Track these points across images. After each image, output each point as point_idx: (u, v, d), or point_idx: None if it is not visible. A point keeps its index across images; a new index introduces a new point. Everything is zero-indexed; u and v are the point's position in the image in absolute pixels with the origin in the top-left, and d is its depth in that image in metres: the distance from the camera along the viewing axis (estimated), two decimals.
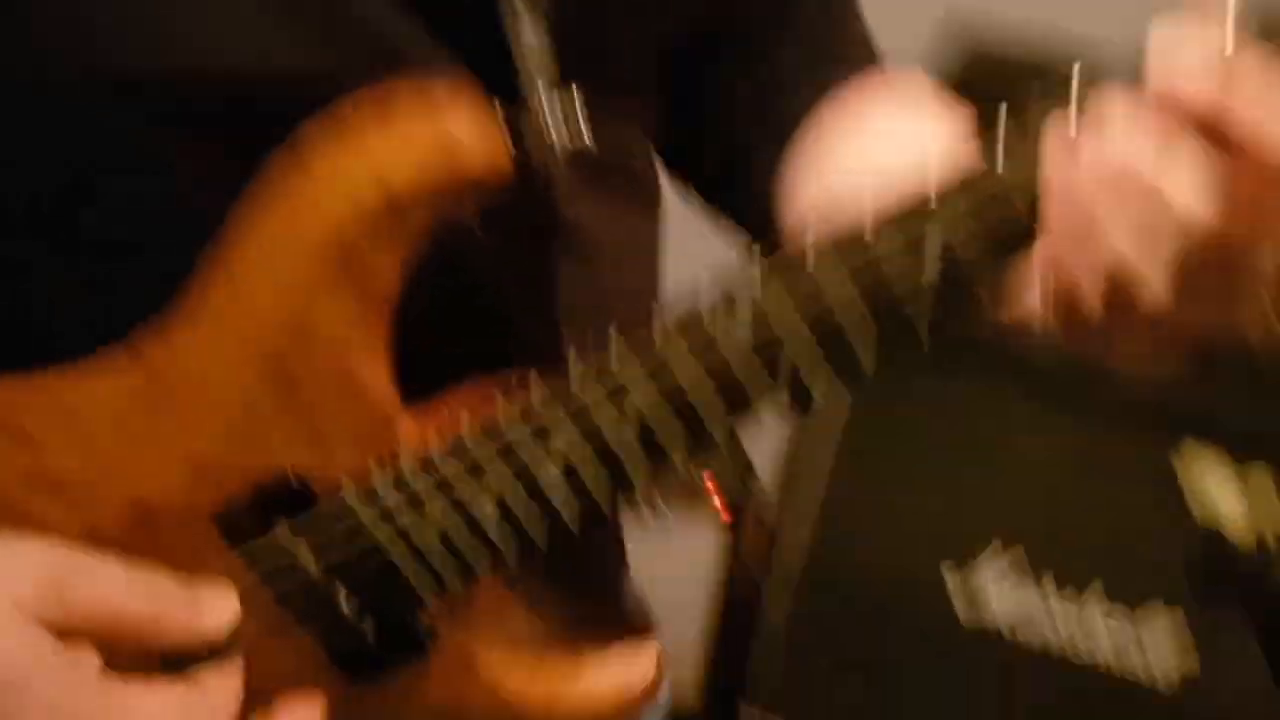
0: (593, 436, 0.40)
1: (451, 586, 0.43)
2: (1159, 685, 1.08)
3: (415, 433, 0.42)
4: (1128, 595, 1.06)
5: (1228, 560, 1.03)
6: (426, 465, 0.42)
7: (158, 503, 0.42)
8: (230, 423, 0.42)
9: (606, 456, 0.40)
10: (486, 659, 0.46)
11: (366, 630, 0.44)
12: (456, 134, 0.38)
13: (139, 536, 0.42)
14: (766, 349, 0.38)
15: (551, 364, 0.46)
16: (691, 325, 0.39)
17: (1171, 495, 1.03)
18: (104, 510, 0.42)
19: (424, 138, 0.39)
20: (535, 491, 0.41)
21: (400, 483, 0.42)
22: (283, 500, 0.42)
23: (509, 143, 0.39)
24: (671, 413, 0.39)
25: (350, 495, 0.42)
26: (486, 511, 0.41)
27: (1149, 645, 1.07)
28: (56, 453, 0.42)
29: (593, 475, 0.40)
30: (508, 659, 0.46)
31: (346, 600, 0.43)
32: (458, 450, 0.41)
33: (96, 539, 0.41)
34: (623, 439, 0.39)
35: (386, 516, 0.42)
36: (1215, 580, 1.03)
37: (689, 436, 0.39)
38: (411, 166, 0.38)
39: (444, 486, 0.41)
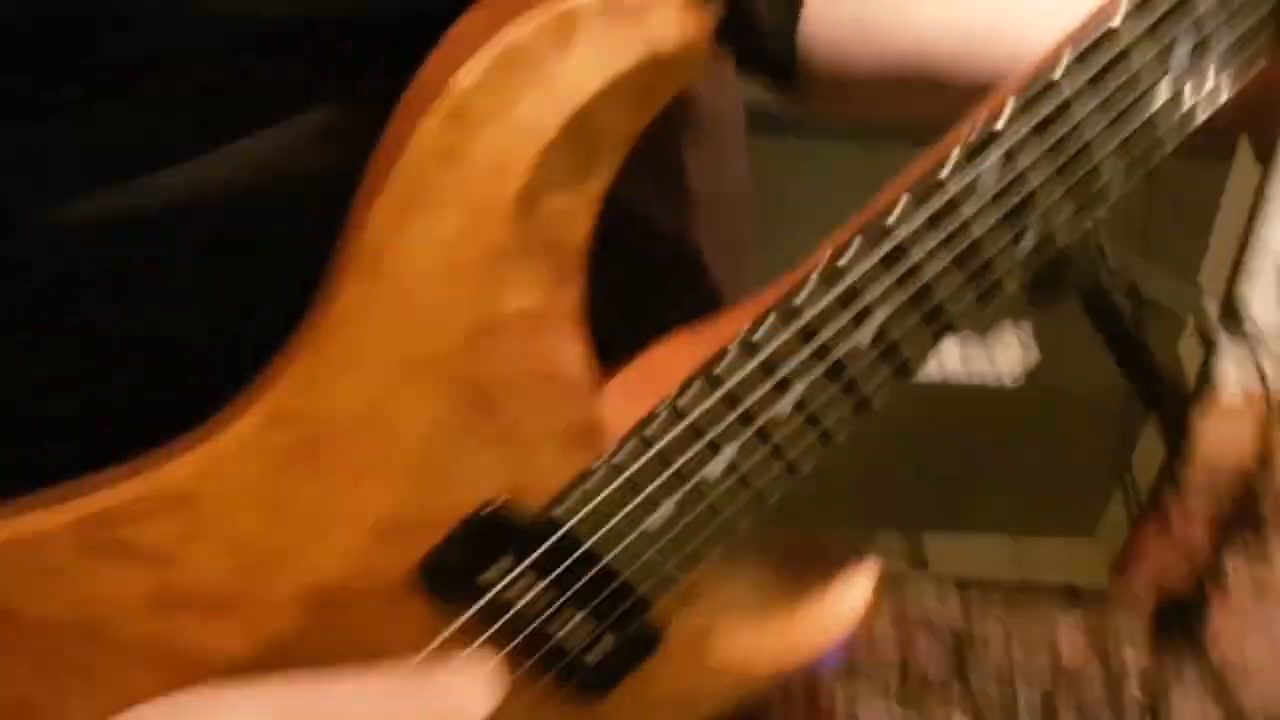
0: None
1: (683, 572, 0.38)
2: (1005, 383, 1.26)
3: (621, 408, 0.35)
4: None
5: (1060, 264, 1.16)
6: (644, 440, 0.35)
7: (341, 584, 0.33)
8: (414, 464, 0.32)
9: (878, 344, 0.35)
10: (714, 634, 0.41)
11: (600, 651, 0.38)
12: (651, 26, 0.30)
13: (326, 626, 0.33)
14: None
15: (694, 275, 0.40)
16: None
17: None
18: (273, 612, 0.33)
19: (609, 40, 0.30)
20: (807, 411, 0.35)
21: (615, 468, 0.35)
22: (482, 539, 0.34)
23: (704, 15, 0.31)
24: None
25: (568, 503, 0.35)
26: (722, 468, 0.36)
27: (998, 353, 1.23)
28: (190, 562, 0.31)
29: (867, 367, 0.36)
30: (733, 626, 0.42)
31: (578, 626, 0.37)
32: (676, 413, 0.35)
33: (277, 649, 0.32)
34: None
35: (604, 516, 0.35)
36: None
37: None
38: (599, 77, 0.30)
39: (666, 453, 0.35)
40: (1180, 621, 1.51)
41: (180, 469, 0.31)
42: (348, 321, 0.31)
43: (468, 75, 0.29)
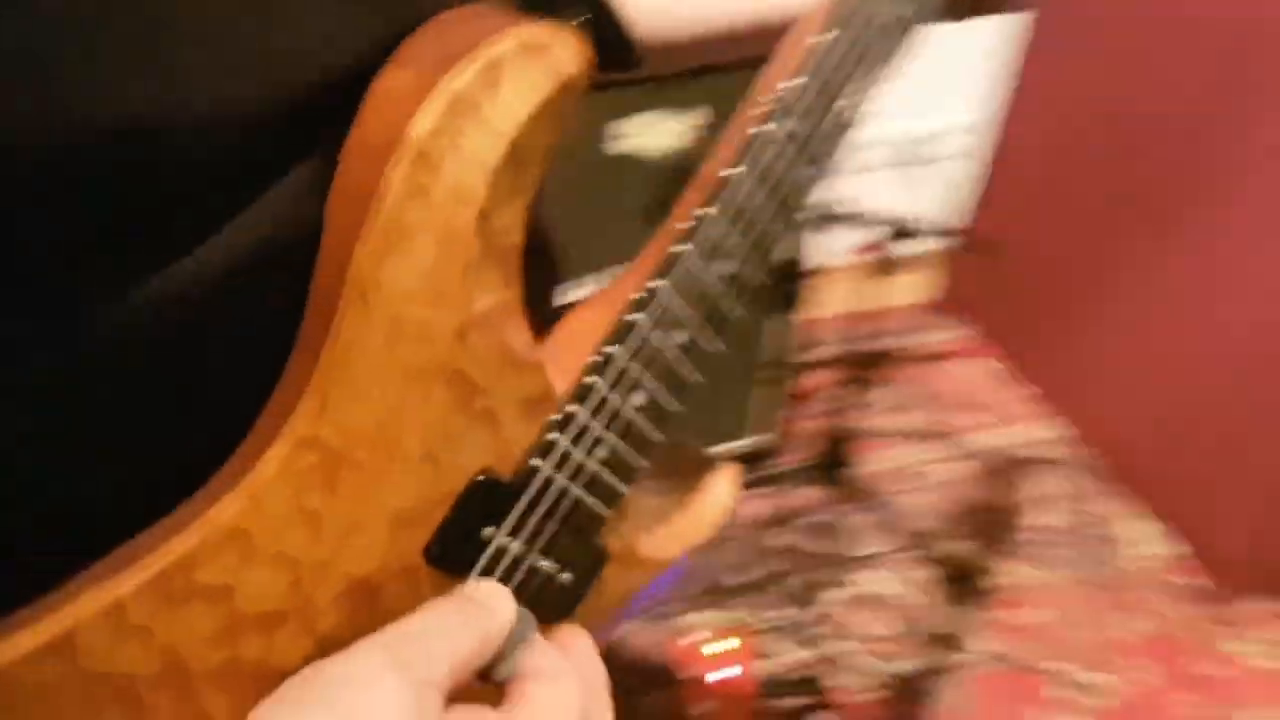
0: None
1: (626, 488, 0.46)
2: None
3: (556, 372, 0.43)
4: None
5: None
6: (581, 391, 0.43)
7: (373, 574, 0.38)
8: (418, 459, 0.38)
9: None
10: (636, 538, 0.50)
11: (570, 572, 0.45)
12: (557, 57, 0.37)
13: (364, 616, 0.38)
14: None
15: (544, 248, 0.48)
16: None
17: None
18: (321, 615, 0.37)
19: (528, 76, 0.37)
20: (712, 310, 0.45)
21: (567, 420, 0.42)
22: (478, 505, 0.41)
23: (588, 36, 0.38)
24: None
25: (533, 462, 0.42)
26: (641, 401, 0.44)
27: None
28: (249, 588, 0.35)
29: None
30: (647, 527, 0.51)
31: (550, 566, 0.44)
32: (600, 367, 0.43)
33: (329, 645, 0.37)
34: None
35: (565, 459, 0.43)
36: None
37: None
38: (526, 106, 0.37)
39: (602, 400, 0.43)
40: (836, 464, 1.81)
41: (230, 506, 0.35)
42: (351, 348, 0.36)
43: (423, 123, 0.35)
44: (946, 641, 1.61)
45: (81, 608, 0.32)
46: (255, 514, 0.35)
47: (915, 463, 1.95)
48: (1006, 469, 1.93)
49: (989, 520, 1.84)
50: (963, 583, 1.71)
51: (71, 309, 0.32)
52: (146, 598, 0.33)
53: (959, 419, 2.05)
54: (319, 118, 0.35)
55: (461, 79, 0.35)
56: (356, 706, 0.32)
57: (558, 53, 0.37)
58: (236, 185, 0.34)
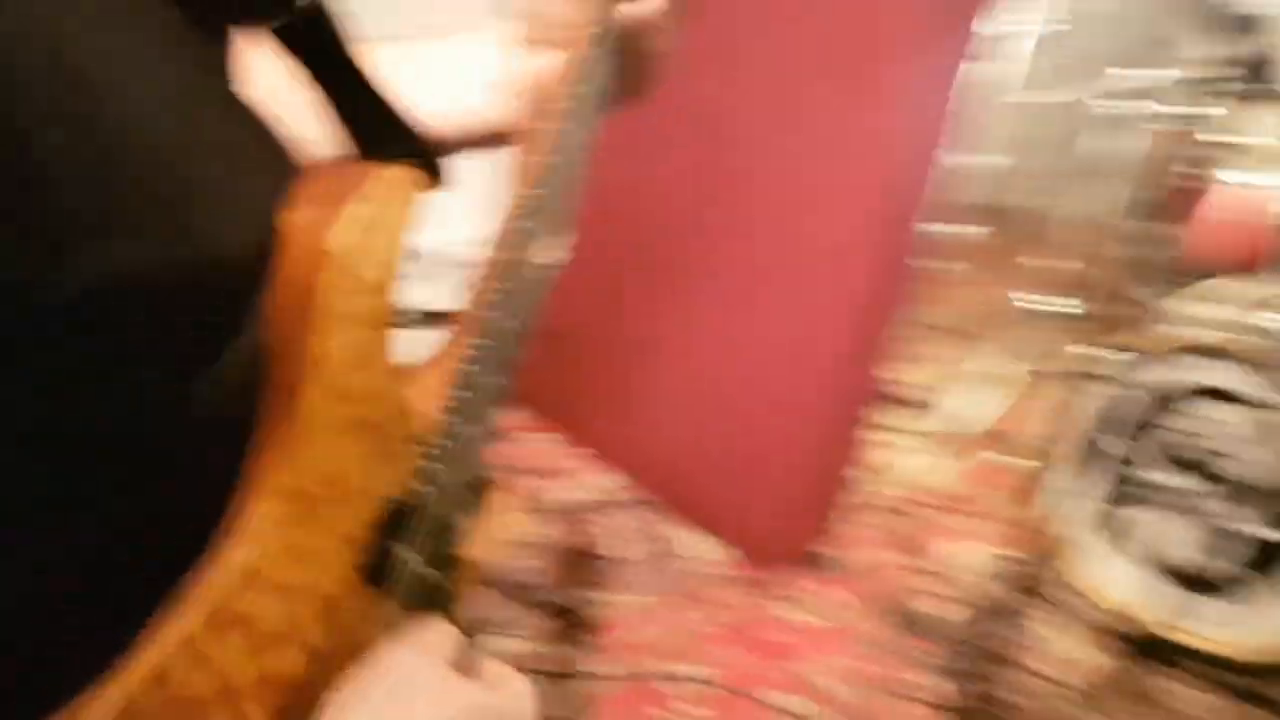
0: None
1: (475, 506, 0.59)
2: None
3: (426, 408, 0.55)
4: None
5: None
6: (442, 425, 0.56)
7: (334, 592, 0.48)
8: (356, 493, 0.49)
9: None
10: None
11: (441, 582, 0.57)
12: (411, 184, 0.51)
13: (335, 627, 0.48)
14: None
15: None
16: None
17: None
18: (311, 628, 0.47)
19: (398, 198, 0.50)
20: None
21: (437, 449, 0.55)
22: (390, 526, 0.52)
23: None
24: None
25: (419, 487, 0.54)
26: (480, 430, 0.59)
27: None
28: (263, 615, 0.44)
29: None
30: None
31: (432, 574, 0.56)
32: (453, 404, 0.57)
33: (319, 659, 0.47)
34: None
35: (436, 481, 0.55)
36: None
37: None
38: (401, 218, 0.50)
39: (456, 428, 0.57)
40: None
41: (244, 547, 0.44)
42: (306, 414, 0.47)
43: (338, 239, 0.48)
44: (573, 676, 1.81)
45: (164, 645, 0.40)
46: (260, 553, 0.45)
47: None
48: (581, 516, 2.20)
49: (579, 562, 2.09)
50: (571, 621, 1.93)
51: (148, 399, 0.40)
52: (206, 630, 0.41)
53: (535, 483, 2.30)
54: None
55: (360, 206, 0.49)
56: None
57: (410, 182, 0.52)
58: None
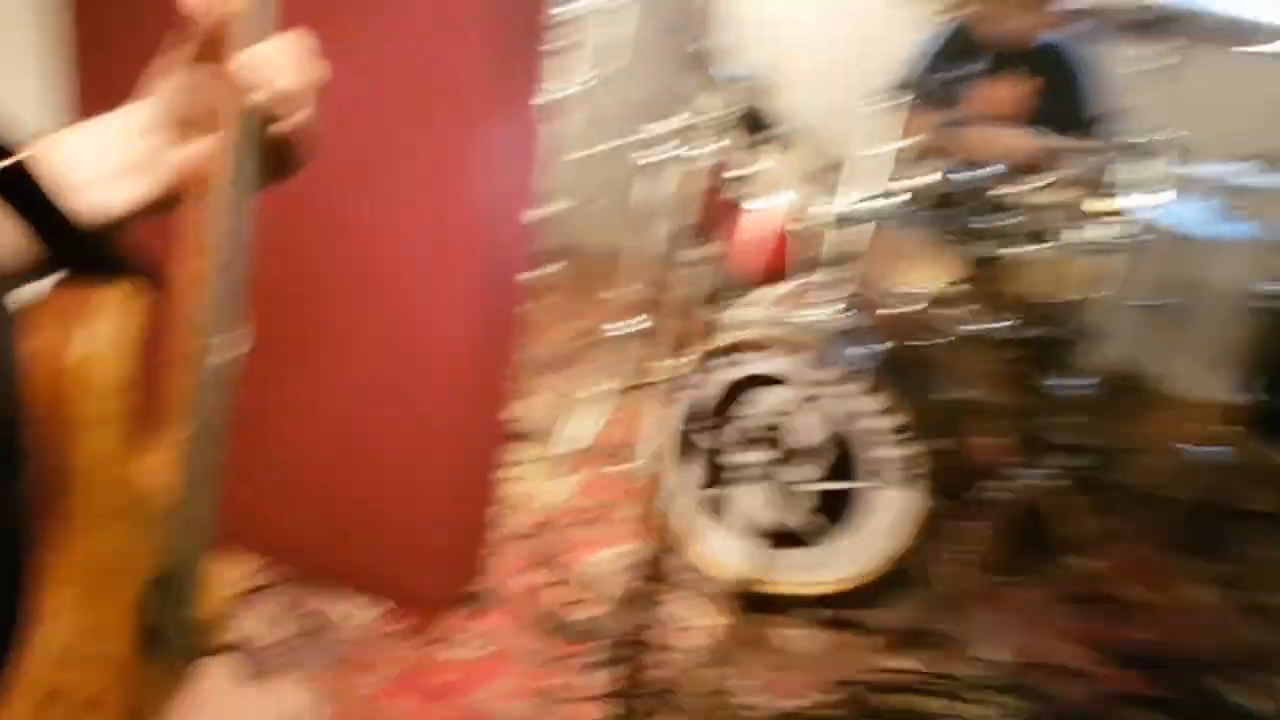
0: None
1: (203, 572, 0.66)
2: None
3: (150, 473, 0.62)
4: None
5: None
6: (174, 499, 0.63)
7: (129, 654, 0.55)
8: (128, 568, 0.56)
9: None
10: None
11: (190, 646, 0.64)
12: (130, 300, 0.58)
13: (131, 686, 0.55)
14: None
15: None
16: None
17: None
18: (115, 690, 0.54)
19: (122, 312, 0.57)
20: None
21: (173, 522, 0.62)
22: (151, 600, 0.59)
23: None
24: None
25: (164, 560, 0.61)
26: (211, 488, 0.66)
27: None
28: (76, 684, 0.51)
29: None
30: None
31: (184, 642, 0.63)
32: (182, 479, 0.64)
33: (125, 707, 0.53)
34: None
35: (173, 553, 0.62)
36: None
37: None
38: (130, 329, 0.57)
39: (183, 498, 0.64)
40: None
41: (51, 629, 0.50)
42: (80, 508, 0.53)
43: (73, 354, 0.54)
44: None
45: None
46: (69, 631, 0.51)
47: None
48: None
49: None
50: None
51: None
52: (35, 711, 0.47)
53: None
54: None
55: (90, 325, 0.56)
56: None
57: (129, 298, 0.59)
58: None
